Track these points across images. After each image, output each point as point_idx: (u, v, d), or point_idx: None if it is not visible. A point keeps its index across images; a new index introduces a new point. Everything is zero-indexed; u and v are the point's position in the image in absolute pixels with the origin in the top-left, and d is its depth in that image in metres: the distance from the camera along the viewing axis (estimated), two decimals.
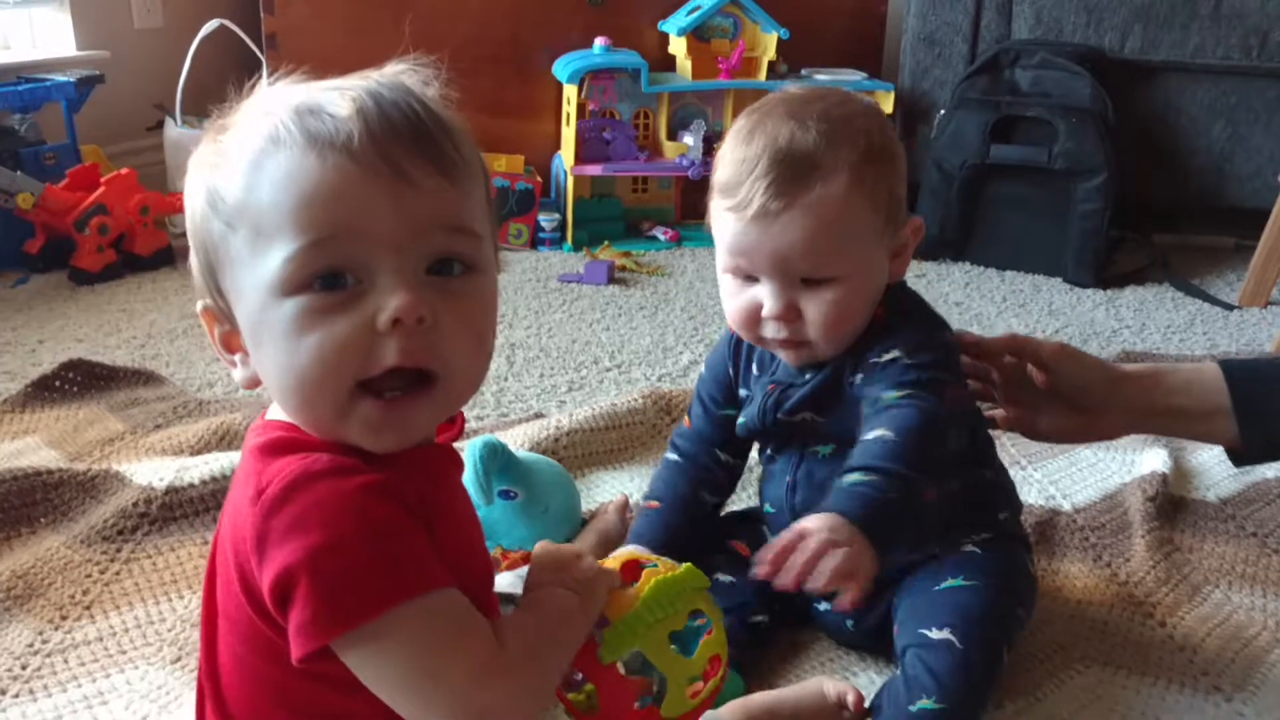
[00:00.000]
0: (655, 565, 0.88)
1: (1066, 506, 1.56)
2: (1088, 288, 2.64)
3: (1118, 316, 2.46)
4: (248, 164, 0.71)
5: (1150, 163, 2.81)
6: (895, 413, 1.05)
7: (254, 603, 0.72)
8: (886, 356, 1.10)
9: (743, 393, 1.25)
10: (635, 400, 1.77)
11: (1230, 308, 2.51)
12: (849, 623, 1.21)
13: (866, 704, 1.09)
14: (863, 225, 1.09)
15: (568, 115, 2.86)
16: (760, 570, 0.93)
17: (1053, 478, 1.64)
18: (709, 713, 0.98)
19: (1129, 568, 1.40)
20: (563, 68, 2.85)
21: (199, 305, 0.78)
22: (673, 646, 0.85)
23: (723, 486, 1.29)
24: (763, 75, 2.88)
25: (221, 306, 0.76)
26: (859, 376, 1.12)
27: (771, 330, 1.13)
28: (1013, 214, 2.73)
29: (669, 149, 2.92)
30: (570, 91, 2.82)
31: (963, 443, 1.14)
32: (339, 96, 0.72)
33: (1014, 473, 1.61)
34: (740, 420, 1.23)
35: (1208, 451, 1.72)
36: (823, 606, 1.23)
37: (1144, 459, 1.66)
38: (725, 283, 1.16)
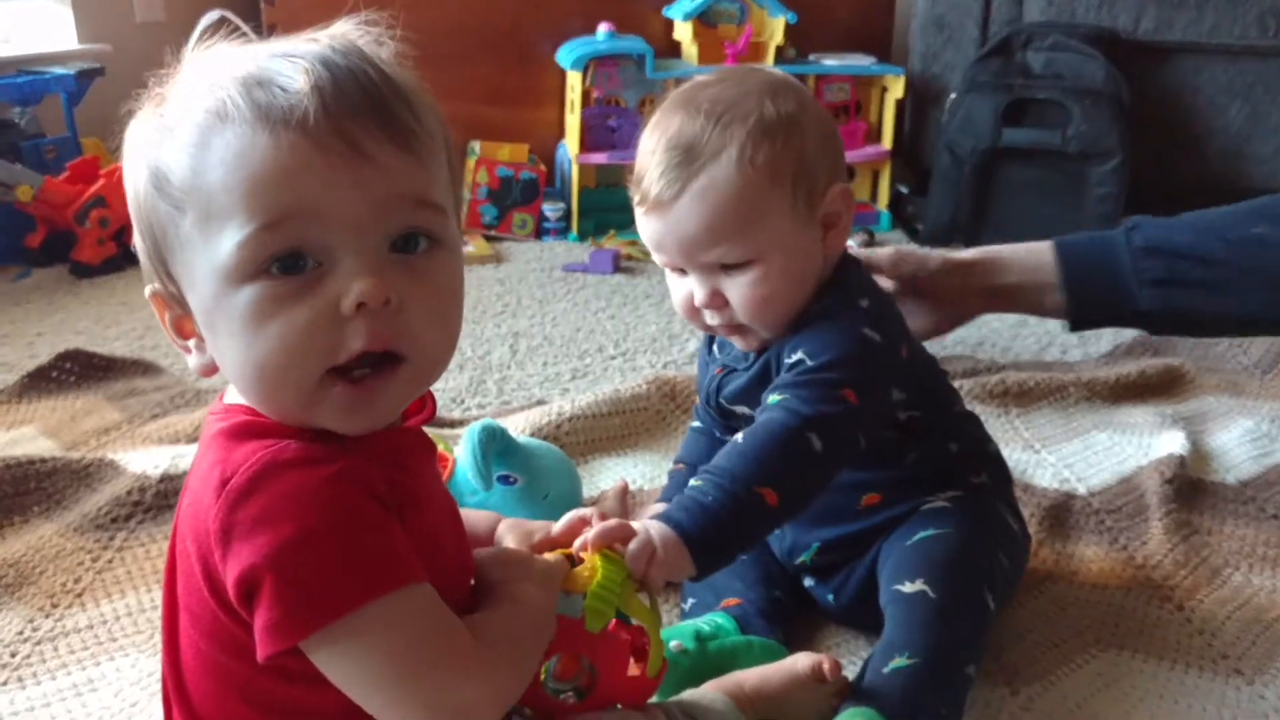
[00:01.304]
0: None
1: (1081, 490, 1.52)
2: None
3: None
4: (193, 141, 0.67)
5: (1166, 145, 2.76)
6: (764, 417, 1.03)
7: (217, 597, 0.69)
8: (794, 356, 1.07)
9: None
10: (640, 386, 1.74)
11: None
12: (829, 597, 1.19)
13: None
14: (764, 202, 1.06)
15: (572, 103, 2.82)
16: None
17: (1067, 461, 1.60)
18: (710, 693, 0.96)
19: (1146, 551, 1.36)
20: (566, 54, 2.82)
21: (147, 290, 0.74)
22: (644, 600, 0.88)
23: None
24: (770, 60, 2.84)
25: (172, 291, 0.72)
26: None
27: (708, 318, 1.12)
28: (1026, 198, 2.69)
29: None
30: (574, 78, 2.79)
31: (887, 433, 1.13)
32: (289, 66, 0.67)
33: (1026, 456, 1.60)
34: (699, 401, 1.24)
35: (1227, 433, 1.69)
36: (808, 582, 1.21)
37: (1161, 441, 1.63)
38: (668, 278, 1.16)
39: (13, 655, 1.14)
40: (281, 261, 0.67)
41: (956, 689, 1.01)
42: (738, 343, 1.16)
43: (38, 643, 1.16)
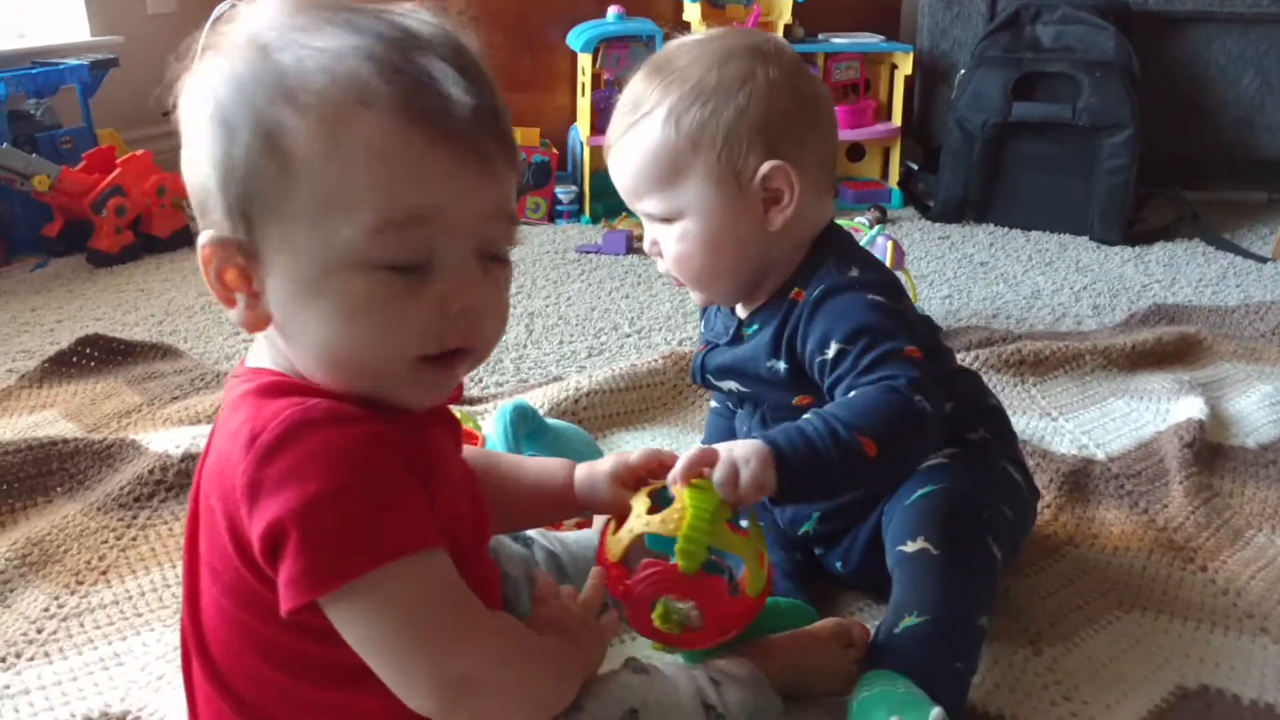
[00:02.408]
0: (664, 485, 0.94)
1: (1100, 456, 1.52)
2: (1115, 245, 2.59)
3: (1147, 272, 2.41)
4: (329, 118, 0.67)
5: (1178, 116, 2.75)
6: (861, 392, 1.01)
7: (241, 553, 0.70)
8: (830, 351, 1.05)
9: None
10: (656, 361, 1.74)
11: (1264, 260, 2.45)
12: (838, 565, 1.19)
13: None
14: (684, 164, 1.08)
15: (583, 85, 2.82)
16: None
17: (1085, 428, 1.60)
18: (735, 661, 0.97)
19: (1167, 514, 1.36)
20: (576, 37, 2.82)
21: (207, 237, 0.71)
22: (732, 533, 0.91)
23: None
24: None
25: (242, 242, 0.70)
26: (787, 364, 1.11)
27: (658, 265, 1.16)
28: (1037, 172, 2.68)
29: None
30: (585, 61, 2.79)
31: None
32: (436, 64, 0.69)
33: (1044, 424, 1.60)
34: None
35: (1246, 399, 1.69)
36: (817, 551, 1.21)
37: (1179, 407, 1.62)
38: None
39: (39, 631, 1.14)
40: (401, 260, 0.69)
41: (970, 641, 1.00)
42: (694, 296, 1.18)
43: (64, 619, 1.17)
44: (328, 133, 0.67)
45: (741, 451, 0.93)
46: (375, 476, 0.68)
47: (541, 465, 1.02)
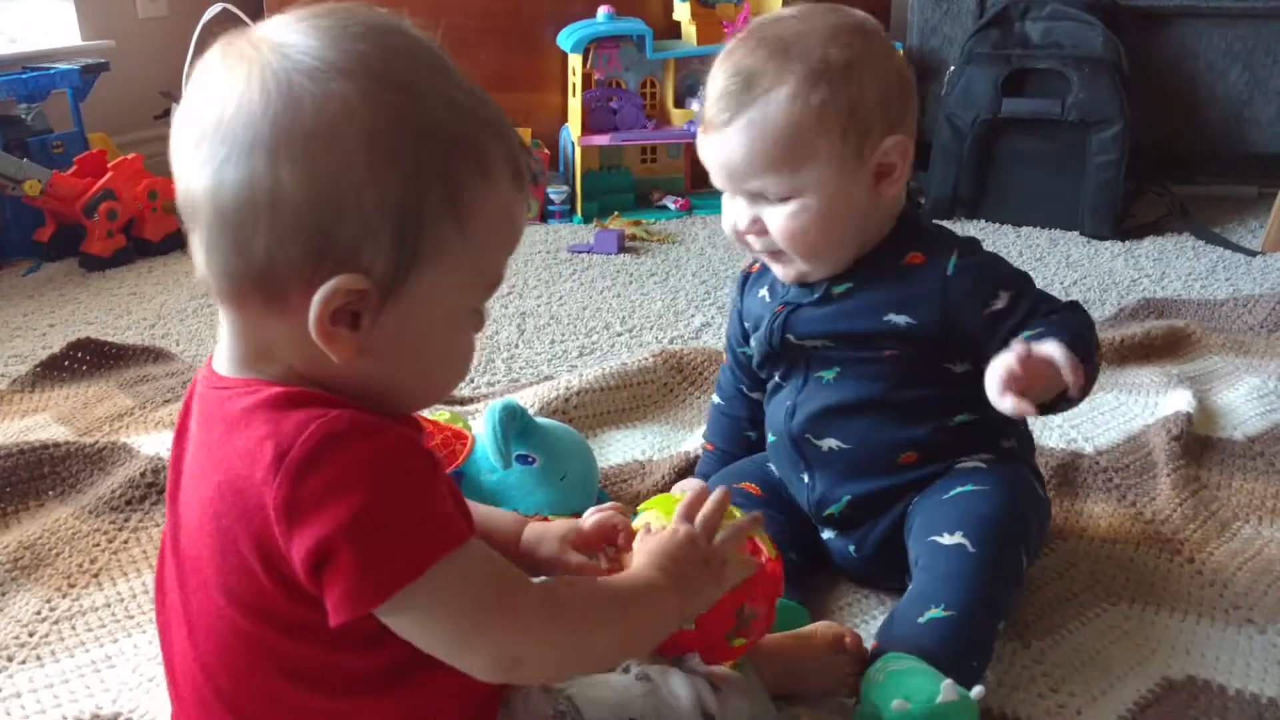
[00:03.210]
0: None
1: (1088, 449, 1.52)
2: (1105, 239, 2.60)
3: (1137, 266, 2.41)
4: (494, 180, 0.70)
5: (1167, 112, 2.76)
6: (1066, 314, 1.11)
7: (272, 572, 0.69)
8: (999, 303, 1.11)
9: (747, 325, 1.27)
10: (646, 360, 1.75)
11: (1253, 254, 2.46)
12: (851, 549, 1.20)
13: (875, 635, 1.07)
14: (810, 143, 1.08)
15: (573, 86, 2.83)
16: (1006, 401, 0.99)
17: (1073, 421, 1.60)
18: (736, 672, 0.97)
19: (1154, 506, 1.36)
20: (566, 37, 2.82)
21: (347, 279, 0.67)
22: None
23: (759, 420, 1.31)
24: None
25: (390, 286, 0.68)
26: (913, 320, 1.12)
27: (750, 243, 1.16)
28: (1027, 168, 2.68)
29: (676, 116, 2.89)
30: (575, 61, 2.79)
31: (934, 389, 1.15)
32: (502, 124, 0.72)
33: (1033, 417, 1.60)
34: (754, 342, 1.25)
35: (1234, 391, 1.70)
36: (827, 534, 1.22)
37: (1167, 400, 1.63)
38: (723, 199, 1.19)
39: (31, 635, 1.15)
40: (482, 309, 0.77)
41: (988, 643, 1.02)
42: (779, 272, 1.18)
43: (55, 622, 1.17)
44: (495, 203, 0.70)
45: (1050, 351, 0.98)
46: (410, 480, 0.68)
47: (492, 514, 1.01)
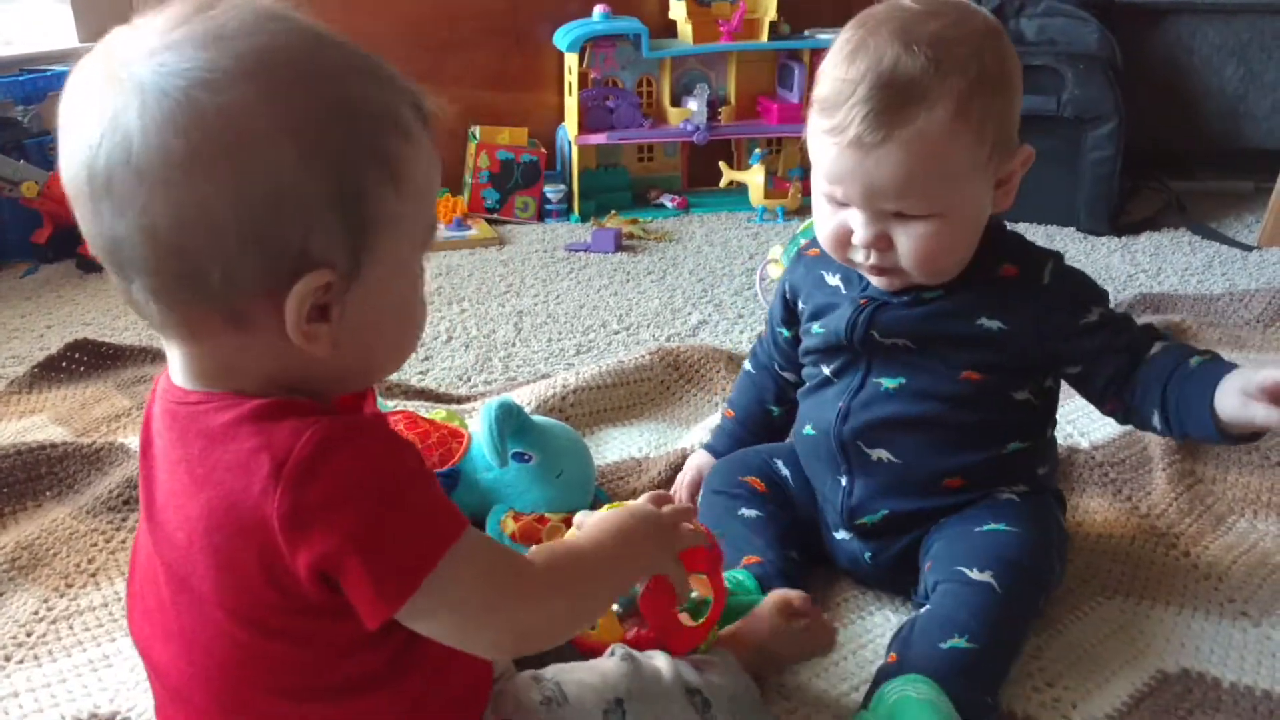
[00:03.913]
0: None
1: (1084, 444, 1.53)
2: (1102, 235, 2.60)
3: (1134, 262, 2.42)
4: (418, 138, 0.70)
5: (1163, 108, 2.76)
6: (1172, 349, 1.08)
7: (276, 583, 0.68)
8: (1093, 317, 1.10)
9: (804, 308, 1.24)
10: (643, 357, 1.75)
11: (1249, 248, 2.46)
12: (867, 555, 1.19)
13: (886, 640, 1.08)
14: (964, 160, 1.02)
15: (570, 85, 2.83)
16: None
17: (1069, 417, 1.60)
18: (714, 654, 0.99)
19: (1150, 501, 1.37)
20: (563, 36, 2.82)
21: (312, 280, 0.66)
22: None
23: (787, 399, 1.32)
24: (764, 36, 2.84)
25: (351, 271, 0.68)
26: (1005, 325, 1.10)
27: (861, 256, 1.10)
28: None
29: (673, 115, 2.89)
30: (571, 60, 2.79)
31: (994, 414, 1.14)
32: (400, 79, 0.71)
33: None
34: (817, 330, 1.20)
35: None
36: (840, 535, 1.21)
37: None
38: (818, 202, 1.12)
39: (28, 634, 1.15)
40: None
41: (1001, 678, 1.02)
42: (880, 282, 1.13)
43: (53, 621, 1.17)
44: (418, 155, 0.70)
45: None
46: (407, 478, 0.69)
47: None
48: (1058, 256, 1.14)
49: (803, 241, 1.26)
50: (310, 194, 0.64)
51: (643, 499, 0.91)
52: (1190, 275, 2.31)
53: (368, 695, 0.74)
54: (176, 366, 0.72)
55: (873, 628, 1.15)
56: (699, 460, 1.38)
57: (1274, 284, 2.19)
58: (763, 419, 1.35)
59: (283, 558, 0.66)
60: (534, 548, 0.78)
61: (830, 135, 1.03)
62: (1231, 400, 0.97)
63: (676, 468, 1.45)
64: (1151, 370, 1.06)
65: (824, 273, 1.21)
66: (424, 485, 0.70)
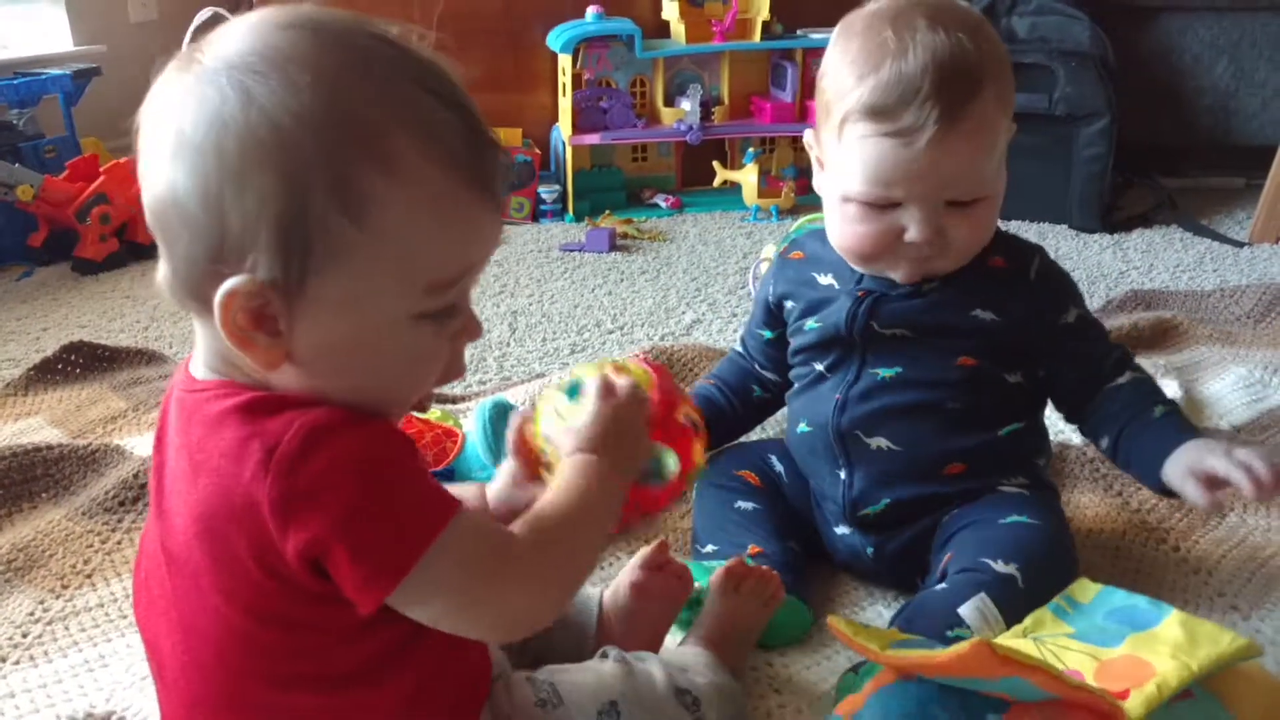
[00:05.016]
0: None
1: (1076, 440, 1.53)
2: (1094, 232, 2.61)
3: (1125, 259, 2.42)
4: (408, 181, 0.67)
5: (1154, 105, 2.77)
6: (1125, 366, 1.14)
7: (268, 570, 0.69)
8: (1070, 317, 1.13)
9: (793, 306, 1.24)
10: (637, 356, 1.75)
11: (1240, 245, 2.47)
12: (869, 549, 1.19)
13: (889, 622, 1.09)
14: (1003, 139, 1.07)
15: (563, 85, 2.84)
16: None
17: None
18: (689, 649, 1.00)
19: (1141, 496, 1.37)
20: (556, 37, 2.83)
21: (239, 281, 0.66)
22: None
23: (769, 387, 1.32)
24: (757, 36, 2.85)
25: (287, 289, 0.67)
26: (997, 316, 1.12)
27: (911, 252, 1.10)
28: (1015, 162, 2.61)
29: (666, 115, 2.90)
30: (565, 61, 2.80)
31: (989, 397, 1.15)
32: (461, 110, 0.70)
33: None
34: (811, 325, 1.20)
35: (1220, 381, 1.70)
36: (840, 530, 1.20)
37: None
38: (852, 210, 1.10)
39: (24, 636, 1.16)
40: (441, 310, 0.72)
41: None
42: (907, 275, 1.13)
43: (49, 622, 1.18)
44: (407, 197, 0.67)
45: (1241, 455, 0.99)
46: (398, 466, 0.69)
47: (458, 492, 1.02)
48: (1042, 252, 1.17)
49: (783, 246, 1.26)
50: (249, 201, 0.65)
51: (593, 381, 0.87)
52: (1182, 271, 2.32)
53: (364, 688, 0.74)
54: (196, 354, 0.75)
55: (870, 622, 1.16)
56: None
57: (1265, 280, 2.20)
58: (743, 391, 1.33)
59: (274, 544, 0.67)
60: (517, 521, 0.76)
61: (898, 138, 1.02)
62: (1177, 470, 1.04)
63: None
64: (1115, 403, 1.12)
65: (814, 274, 1.22)
66: (414, 474, 0.70)
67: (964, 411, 1.14)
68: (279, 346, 0.68)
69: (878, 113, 1.03)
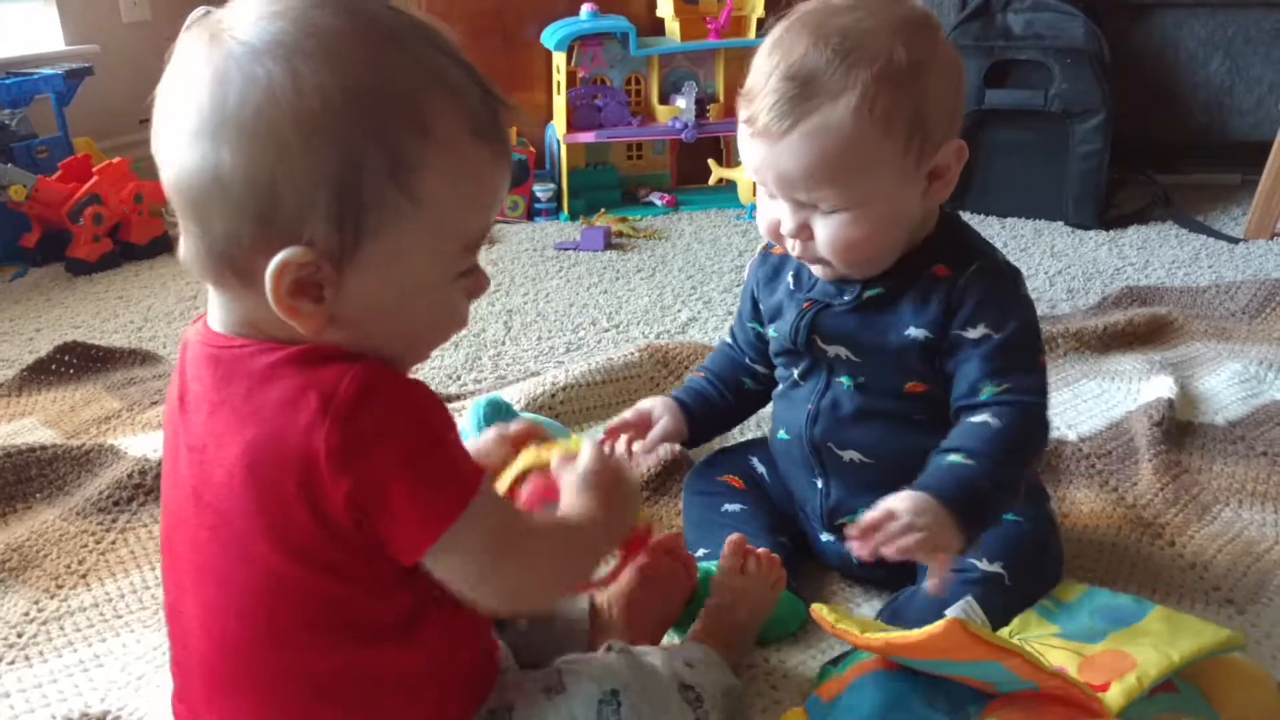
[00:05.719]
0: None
1: (1072, 436, 1.53)
2: (1090, 229, 2.61)
3: (1121, 255, 2.42)
4: (451, 151, 0.70)
5: (1149, 101, 2.77)
6: (999, 408, 1.04)
7: (320, 517, 0.70)
8: (974, 333, 1.06)
9: (764, 307, 1.24)
10: (632, 354, 1.75)
11: (1235, 241, 2.47)
12: (853, 556, 1.18)
13: (875, 615, 1.09)
14: (873, 153, 1.01)
15: (558, 84, 2.83)
16: (852, 546, 0.96)
17: (1057, 410, 1.61)
18: (691, 645, 1.00)
19: (1136, 491, 1.38)
20: (550, 35, 2.83)
21: (294, 253, 0.68)
22: None
23: (760, 379, 1.30)
24: (752, 34, 2.85)
25: (342, 256, 0.70)
26: (929, 333, 1.08)
27: (789, 246, 1.11)
28: (1011, 159, 2.69)
29: (661, 113, 2.90)
30: (559, 59, 2.80)
31: None
32: (468, 71, 0.72)
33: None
34: (773, 334, 1.22)
35: (1215, 377, 1.71)
36: (825, 538, 1.21)
37: (1149, 387, 1.64)
38: (759, 193, 1.13)
39: (19, 636, 1.15)
40: (468, 268, 0.77)
41: None
42: (817, 272, 1.13)
43: (44, 623, 1.18)
44: (443, 159, 0.70)
45: (917, 511, 0.95)
46: (444, 419, 0.72)
47: None
48: (985, 259, 1.10)
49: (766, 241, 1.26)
50: (304, 175, 0.67)
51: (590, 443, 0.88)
52: (1177, 268, 2.32)
53: (394, 645, 0.76)
54: (215, 315, 0.76)
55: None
56: (662, 405, 1.28)
57: (1260, 275, 2.20)
58: (734, 383, 1.31)
59: (323, 487, 0.69)
60: (534, 514, 0.81)
61: (746, 126, 1.05)
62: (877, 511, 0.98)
63: (665, 464, 1.46)
64: (955, 429, 1.06)
65: (782, 271, 1.22)
66: (455, 434, 0.73)
67: (930, 422, 1.11)
68: (323, 312, 0.71)
69: (741, 98, 1.06)
